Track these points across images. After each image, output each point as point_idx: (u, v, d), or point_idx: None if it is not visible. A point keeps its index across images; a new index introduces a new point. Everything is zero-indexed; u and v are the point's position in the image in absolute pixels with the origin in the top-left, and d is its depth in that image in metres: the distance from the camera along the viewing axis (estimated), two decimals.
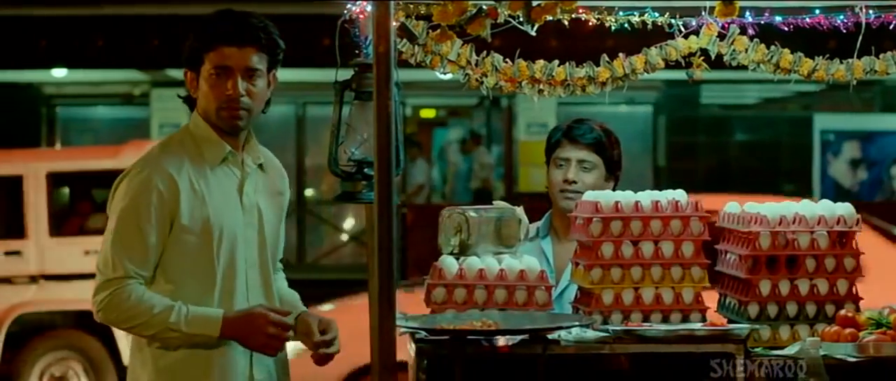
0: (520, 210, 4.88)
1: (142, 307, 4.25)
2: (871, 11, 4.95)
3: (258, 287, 4.44)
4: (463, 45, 4.94)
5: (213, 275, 4.33)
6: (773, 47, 5.02)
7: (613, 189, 5.12)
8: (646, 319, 4.56)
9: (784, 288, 4.60)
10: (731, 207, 4.85)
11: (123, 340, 10.55)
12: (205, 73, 4.32)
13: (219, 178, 4.38)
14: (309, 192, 22.11)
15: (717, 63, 5.06)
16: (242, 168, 4.43)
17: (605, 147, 5.19)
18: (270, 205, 4.52)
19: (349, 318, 5.58)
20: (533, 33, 4.84)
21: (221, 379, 4.35)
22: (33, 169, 11.24)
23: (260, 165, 4.50)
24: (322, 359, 4.48)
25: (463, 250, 4.72)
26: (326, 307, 9.81)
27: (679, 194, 4.65)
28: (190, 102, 4.45)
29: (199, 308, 4.30)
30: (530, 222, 5.06)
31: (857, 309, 4.59)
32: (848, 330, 4.44)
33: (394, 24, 4.25)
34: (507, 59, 5.01)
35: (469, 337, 4.32)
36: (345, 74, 4.70)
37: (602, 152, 5.18)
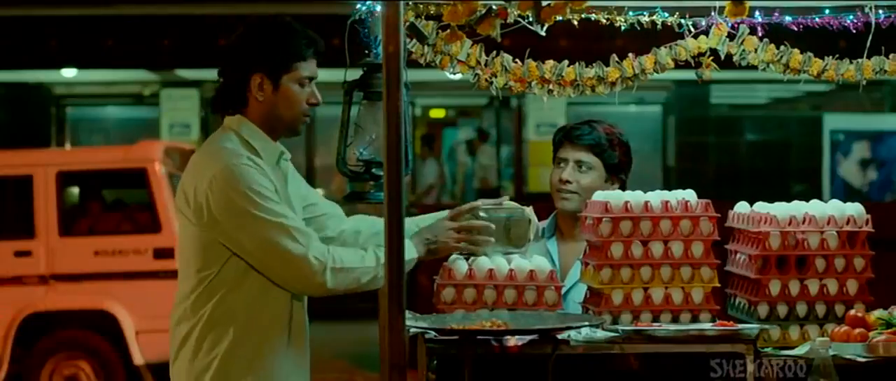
0: (530, 210, 4.87)
1: (353, 259, 4.35)
2: (881, 11, 4.95)
3: None
4: (473, 45, 4.95)
5: None
6: (782, 47, 5.02)
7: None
8: (655, 319, 4.56)
9: (794, 288, 4.60)
10: (741, 206, 4.84)
11: (133, 339, 10.53)
12: (291, 79, 4.43)
13: (276, 174, 4.45)
14: (318, 192, 22.09)
15: (726, 63, 5.06)
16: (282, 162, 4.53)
17: (603, 149, 5.14)
18: None
19: None
20: (543, 33, 4.84)
21: (295, 327, 4.47)
22: (43, 169, 11.25)
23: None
24: None
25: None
26: None
27: (689, 194, 4.64)
28: (224, 104, 4.46)
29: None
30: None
31: (868, 309, 4.59)
32: (857, 330, 4.44)
33: (403, 24, 4.26)
34: (517, 60, 5.01)
35: (479, 337, 4.32)
36: (354, 74, 4.70)
37: (600, 154, 5.14)
